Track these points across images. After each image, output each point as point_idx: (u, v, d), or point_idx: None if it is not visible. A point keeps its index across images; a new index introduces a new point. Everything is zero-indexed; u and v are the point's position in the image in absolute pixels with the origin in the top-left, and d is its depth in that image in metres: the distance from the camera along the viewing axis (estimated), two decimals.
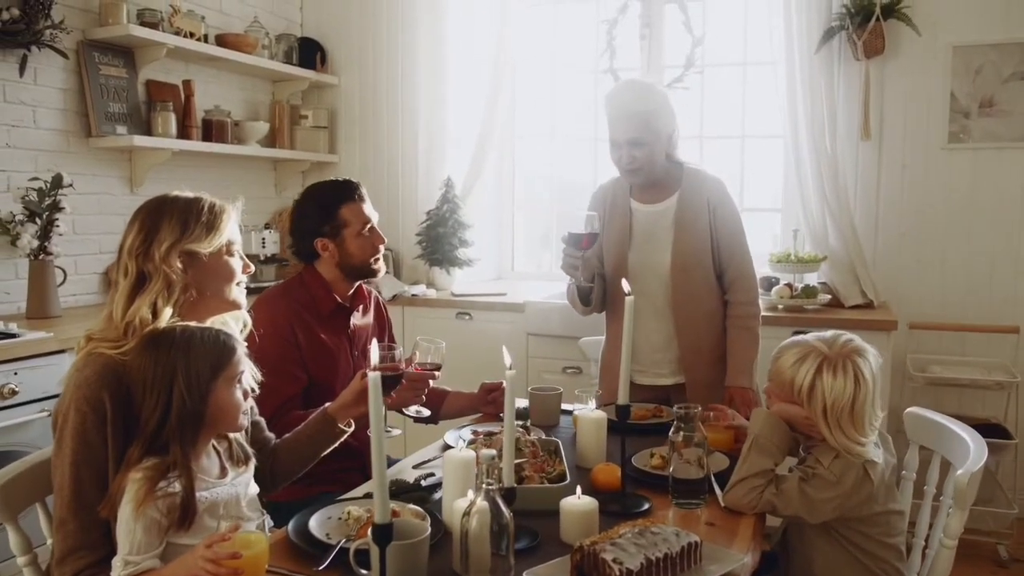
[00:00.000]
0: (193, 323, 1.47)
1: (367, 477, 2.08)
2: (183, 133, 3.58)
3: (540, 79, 4.32)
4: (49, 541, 1.54)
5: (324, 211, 2.15)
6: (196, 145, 3.61)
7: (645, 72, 3.96)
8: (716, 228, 2.37)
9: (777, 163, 3.85)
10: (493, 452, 1.23)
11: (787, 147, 3.64)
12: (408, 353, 1.94)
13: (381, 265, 2.23)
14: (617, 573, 1.20)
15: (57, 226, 3.02)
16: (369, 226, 2.18)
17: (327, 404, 1.81)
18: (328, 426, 1.78)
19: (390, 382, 1.77)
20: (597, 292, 2.43)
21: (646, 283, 2.36)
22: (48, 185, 2.99)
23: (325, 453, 1.80)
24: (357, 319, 2.25)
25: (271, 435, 1.78)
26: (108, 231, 3.42)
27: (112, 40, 3.33)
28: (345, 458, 1.99)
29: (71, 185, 3.05)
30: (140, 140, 3.35)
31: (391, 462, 2.25)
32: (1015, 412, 3.24)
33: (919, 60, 3.51)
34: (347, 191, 2.18)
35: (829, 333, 1.69)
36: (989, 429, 2.95)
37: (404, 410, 2.07)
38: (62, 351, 2.62)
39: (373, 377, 1.11)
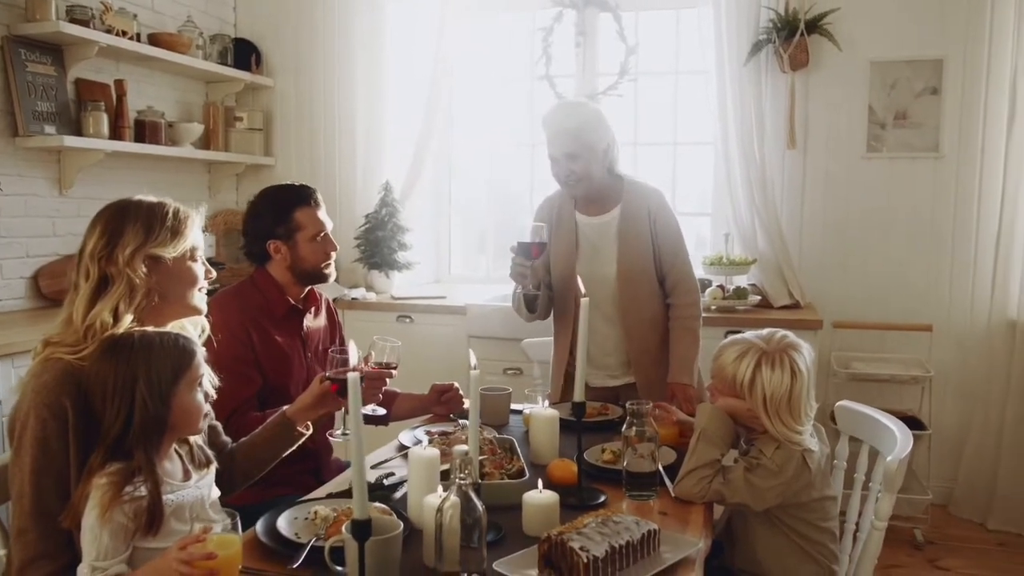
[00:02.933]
0: (151, 328, 1.46)
1: (321, 480, 2.10)
2: (115, 134, 3.48)
3: (477, 85, 4.37)
4: (1, 551, 1.51)
5: (279, 213, 2.16)
6: (129, 146, 3.51)
7: (580, 79, 4.07)
8: (657, 236, 2.48)
9: (707, 169, 4.00)
10: (466, 448, 1.27)
11: (717, 154, 3.79)
12: (364, 353, 1.96)
13: (332, 271, 2.24)
14: (584, 560, 1.26)
15: None
16: (323, 233, 2.19)
17: (285, 407, 1.82)
18: (287, 429, 1.79)
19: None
20: (543, 300, 2.51)
21: (594, 292, 2.43)
22: None
23: (284, 455, 1.81)
24: (310, 321, 2.26)
25: (228, 439, 1.78)
26: (35, 234, 3.32)
27: (40, 37, 3.22)
28: (300, 460, 2.00)
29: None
30: (71, 140, 3.25)
31: (344, 465, 2.27)
32: (928, 405, 3.46)
33: (840, 74, 3.71)
34: (303, 195, 2.20)
35: (766, 331, 1.80)
36: (905, 421, 3.10)
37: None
38: None
39: (353, 378, 1.14)
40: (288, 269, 2.18)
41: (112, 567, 1.29)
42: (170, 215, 1.53)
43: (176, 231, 1.53)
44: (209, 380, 1.50)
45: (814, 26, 3.60)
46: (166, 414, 1.38)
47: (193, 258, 1.58)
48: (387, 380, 1.95)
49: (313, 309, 2.29)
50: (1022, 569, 3.12)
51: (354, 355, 1.68)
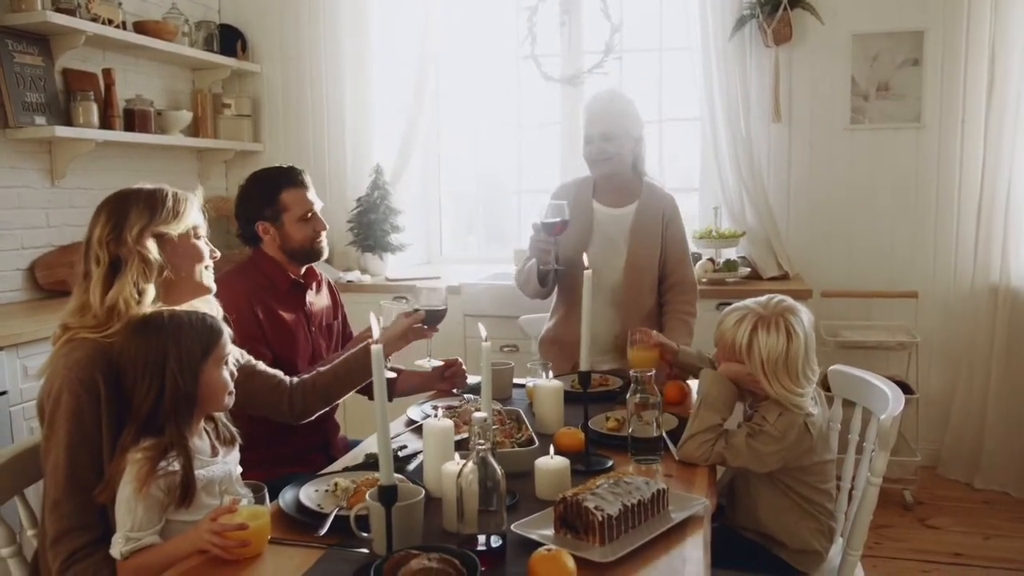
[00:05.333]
0: (178, 308, 1.51)
1: (331, 457, 2.16)
2: (105, 123, 3.48)
3: (463, 66, 4.39)
4: (30, 532, 1.55)
5: (265, 195, 2.22)
6: (120, 135, 3.52)
7: (565, 58, 4.10)
8: (666, 240, 2.59)
9: (694, 145, 4.05)
10: (484, 415, 1.32)
11: (704, 129, 3.85)
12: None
13: (324, 247, 2.29)
14: (599, 519, 1.32)
15: None
16: (310, 212, 2.23)
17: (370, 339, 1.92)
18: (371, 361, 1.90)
19: (437, 316, 2.04)
20: (553, 276, 2.55)
21: (601, 279, 2.51)
22: None
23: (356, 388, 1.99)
24: (312, 296, 2.33)
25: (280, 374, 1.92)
26: (29, 226, 3.32)
27: (26, 27, 3.21)
28: (308, 434, 2.09)
29: None
30: (62, 131, 3.25)
31: (354, 443, 2.32)
32: (915, 369, 3.55)
33: (823, 47, 3.77)
34: (289, 177, 2.24)
35: (764, 297, 1.85)
36: None
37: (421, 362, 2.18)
38: None
39: (376, 350, 1.19)
40: (280, 249, 2.24)
41: (145, 537, 1.34)
42: (170, 197, 1.59)
43: (177, 211, 1.59)
44: (233, 358, 1.55)
45: (797, 0, 3.65)
46: (195, 390, 1.43)
47: (197, 236, 1.64)
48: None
49: (315, 284, 2.34)
50: (1008, 525, 3.23)
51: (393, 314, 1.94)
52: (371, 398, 2.23)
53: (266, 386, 1.89)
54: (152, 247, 1.53)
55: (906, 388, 3.47)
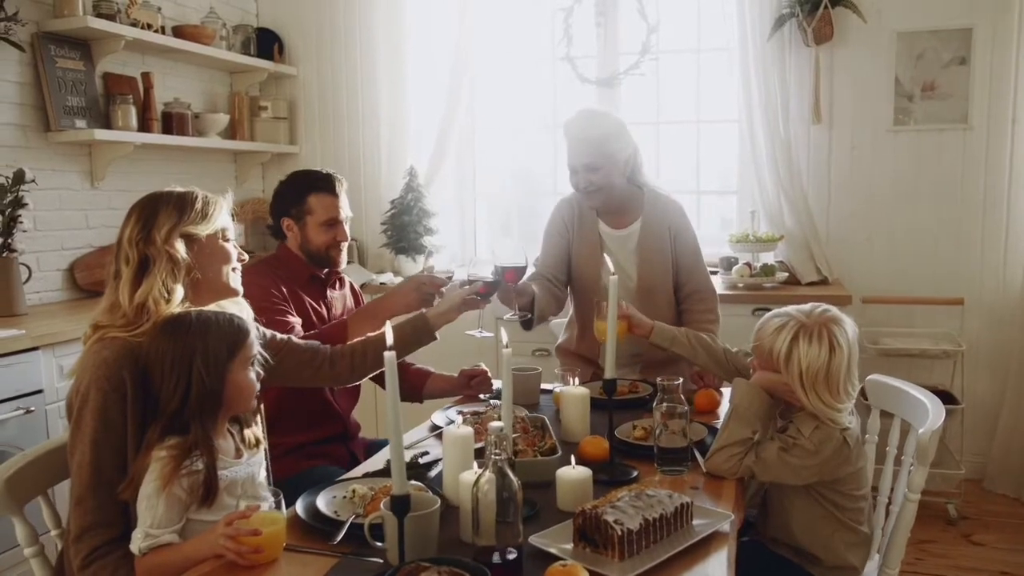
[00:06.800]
0: (206, 308, 1.51)
1: (351, 451, 2.22)
2: (144, 126, 3.54)
3: (499, 68, 4.37)
4: (53, 532, 1.57)
5: (295, 194, 2.28)
6: (158, 138, 3.57)
7: (601, 59, 4.05)
8: (677, 252, 2.48)
9: (732, 147, 3.97)
10: (500, 424, 1.29)
11: (742, 131, 3.77)
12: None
13: (341, 258, 2.32)
14: (619, 533, 1.28)
15: (21, 222, 2.97)
16: (334, 220, 2.26)
17: (423, 309, 2.02)
18: (422, 332, 1.99)
19: (494, 287, 2.10)
20: (539, 311, 2.38)
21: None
22: (9, 181, 2.94)
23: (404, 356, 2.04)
24: (333, 293, 2.37)
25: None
26: (70, 227, 3.38)
27: (68, 32, 3.27)
28: (325, 421, 2.21)
29: (33, 180, 3.00)
30: (101, 134, 3.30)
31: (371, 443, 2.34)
32: (961, 379, 3.43)
33: (865, 46, 3.66)
34: (323, 181, 2.28)
35: (808, 305, 1.77)
36: (937, 396, 3.11)
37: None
38: (35, 348, 2.59)
39: (389, 357, 1.17)
40: (299, 248, 2.29)
41: (164, 535, 1.35)
42: (199, 199, 1.61)
43: (206, 213, 1.61)
44: (260, 360, 1.56)
45: None
46: (221, 390, 1.44)
47: (225, 238, 1.65)
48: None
49: (337, 283, 2.39)
50: None
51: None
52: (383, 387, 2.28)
53: (300, 361, 1.91)
54: (180, 247, 1.55)
55: (950, 398, 3.36)
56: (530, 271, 2.61)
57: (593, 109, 2.53)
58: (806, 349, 1.66)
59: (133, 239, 1.53)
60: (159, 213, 1.55)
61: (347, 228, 2.31)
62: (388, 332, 1.23)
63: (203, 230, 1.59)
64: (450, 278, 2.12)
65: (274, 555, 1.32)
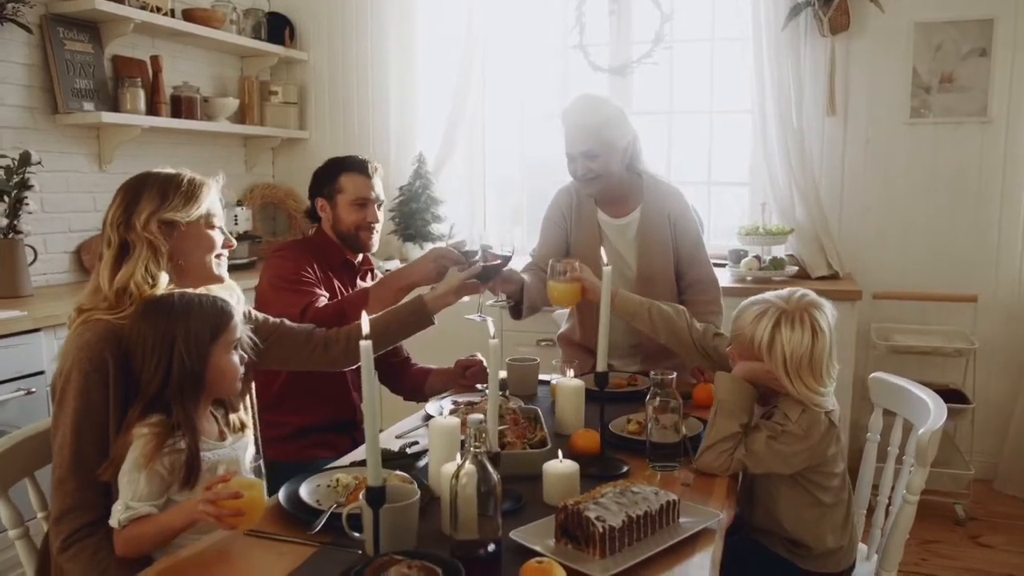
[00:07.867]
0: (191, 291, 1.50)
1: (355, 442, 2.17)
2: (152, 109, 3.54)
3: (510, 55, 4.32)
4: (39, 515, 1.56)
5: (329, 175, 2.33)
6: (166, 122, 3.57)
7: (614, 48, 4.00)
8: (677, 240, 2.42)
9: (745, 137, 3.91)
10: (481, 416, 1.27)
11: (755, 122, 3.71)
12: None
13: (372, 241, 2.34)
14: (600, 530, 1.26)
15: (27, 204, 2.98)
16: (364, 200, 2.29)
17: (423, 293, 2.00)
18: (421, 315, 1.96)
19: (492, 271, 2.08)
20: (530, 301, 2.35)
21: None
22: (16, 163, 2.95)
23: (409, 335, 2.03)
24: (363, 284, 2.38)
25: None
26: (77, 209, 3.39)
27: (77, 14, 3.27)
28: (337, 406, 2.24)
29: (39, 163, 3.01)
30: (109, 117, 3.30)
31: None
32: (973, 378, 3.37)
33: (882, 37, 3.59)
34: (354, 163, 2.34)
35: (785, 290, 1.73)
36: (948, 394, 3.06)
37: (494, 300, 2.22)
38: (36, 330, 2.60)
39: (365, 346, 1.14)
40: (331, 229, 2.32)
41: (142, 507, 1.34)
42: (184, 182, 1.58)
43: (190, 197, 1.57)
44: (246, 344, 1.54)
45: None
46: (203, 372, 1.43)
47: (209, 225, 1.62)
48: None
49: (369, 273, 2.42)
50: None
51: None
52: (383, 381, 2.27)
53: (294, 344, 1.88)
54: (159, 233, 1.52)
55: (962, 397, 3.31)
56: (526, 261, 2.60)
57: (591, 95, 2.48)
58: (789, 335, 1.63)
59: (114, 222, 1.52)
60: (141, 197, 1.53)
61: (379, 212, 2.34)
62: (364, 321, 1.20)
63: (185, 216, 1.56)
64: (466, 253, 2.08)
65: (254, 520, 1.31)
